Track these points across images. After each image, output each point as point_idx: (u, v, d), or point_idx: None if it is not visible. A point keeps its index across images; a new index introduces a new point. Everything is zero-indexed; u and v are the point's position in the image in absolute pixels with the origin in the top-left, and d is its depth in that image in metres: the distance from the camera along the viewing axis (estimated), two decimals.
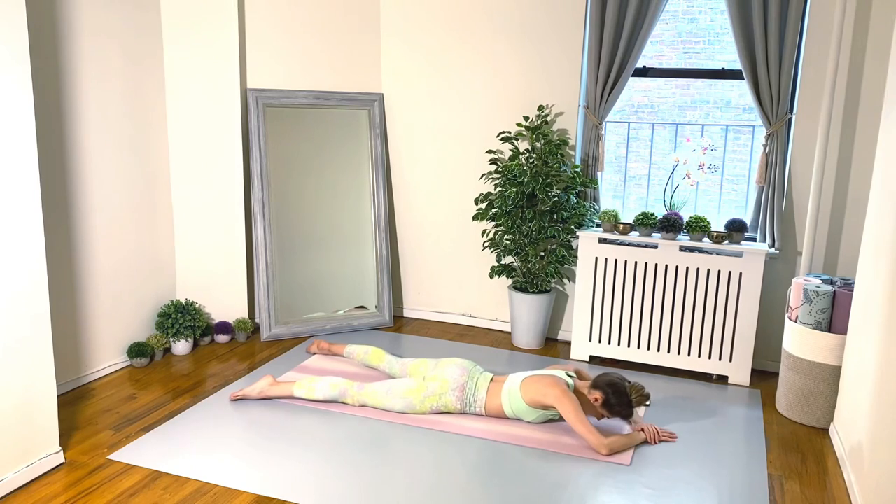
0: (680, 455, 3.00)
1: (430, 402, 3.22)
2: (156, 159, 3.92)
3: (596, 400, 3.07)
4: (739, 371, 3.75)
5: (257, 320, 4.31)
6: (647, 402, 3.06)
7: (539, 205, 3.97)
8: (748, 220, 3.87)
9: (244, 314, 4.24)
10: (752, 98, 3.69)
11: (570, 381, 3.18)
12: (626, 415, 3.07)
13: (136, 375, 3.67)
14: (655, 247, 3.79)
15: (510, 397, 3.17)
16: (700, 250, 3.73)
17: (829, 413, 3.29)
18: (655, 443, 3.07)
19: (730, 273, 3.67)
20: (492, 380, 3.27)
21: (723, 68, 3.89)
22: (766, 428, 3.30)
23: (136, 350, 3.73)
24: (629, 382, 3.08)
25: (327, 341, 3.93)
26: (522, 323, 4.16)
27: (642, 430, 3.09)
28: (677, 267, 3.76)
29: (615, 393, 3.04)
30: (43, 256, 2.66)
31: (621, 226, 3.87)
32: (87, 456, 2.85)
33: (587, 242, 3.91)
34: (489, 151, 4.19)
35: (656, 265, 3.80)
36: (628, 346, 3.93)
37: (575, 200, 4.02)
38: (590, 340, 4.00)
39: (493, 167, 4.36)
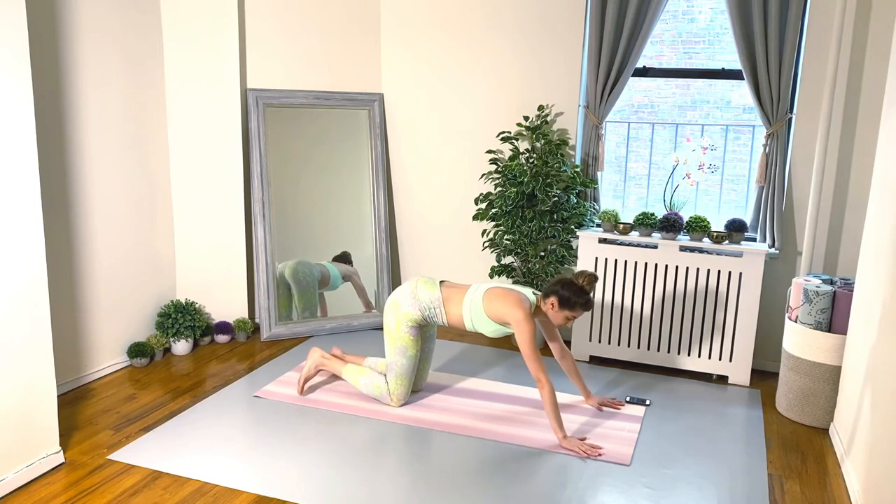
0: (680, 455, 3.00)
1: (400, 331, 3.22)
2: (156, 159, 3.92)
3: (552, 305, 3.08)
4: (739, 371, 3.75)
5: (257, 320, 4.31)
6: (591, 293, 3.08)
7: (539, 205, 3.97)
8: (748, 220, 3.87)
9: (244, 314, 4.24)
10: (752, 98, 3.69)
11: (533, 299, 3.16)
12: (586, 303, 3.06)
13: (136, 375, 3.67)
14: (655, 247, 3.79)
15: (471, 306, 3.16)
16: (700, 250, 3.73)
17: (829, 413, 3.29)
18: (584, 456, 2.95)
19: (730, 273, 3.67)
20: (442, 283, 3.28)
21: (723, 68, 3.89)
22: (766, 428, 3.30)
23: (136, 350, 3.74)
24: (574, 273, 3.12)
25: (341, 349, 3.75)
26: None
27: (570, 447, 2.99)
28: (677, 267, 3.76)
29: (564, 286, 3.06)
30: (43, 256, 2.66)
31: (621, 226, 3.87)
32: (87, 456, 2.85)
33: (587, 242, 3.91)
34: (489, 151, 4.19)
35: (656, 265, 3.80)
36: (628, 346, 3.93)
37: (575, 200, 4.02)
38: (590, 340, 4.00)
39: (493, 167, 4.36)
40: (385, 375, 3.34)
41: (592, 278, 3.06)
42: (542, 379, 2.97)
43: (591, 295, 3.10)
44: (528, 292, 3.18)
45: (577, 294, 3.05)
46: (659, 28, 3.98)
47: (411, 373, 3.29)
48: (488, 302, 3.12)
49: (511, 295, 3.11)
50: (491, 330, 3.16)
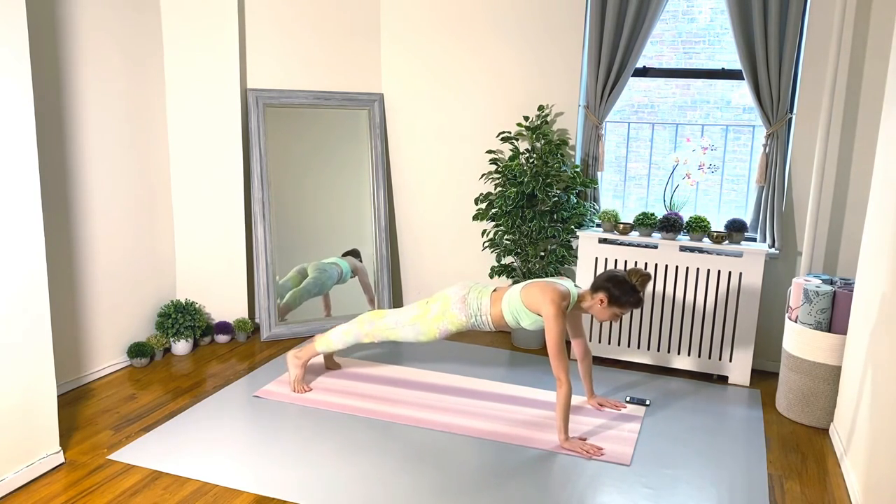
0: (680, 455, 3.00)
1: (437, 323, 3.24)
2: (156, 159, 3.92)
3: (601, 301, 3.05)
4: (739, 371, 3.75)
5: (257, 320, 4.31)
6: (642, 292, 3.03)
7: (539, 205, 3.97)
8: (748, 220, 3.87)
9: (244, 314, 4.24)
10: (752, 98, 3.69)
11: (574, 291, 3.13)
12: (636, 301, 3.02)
13: (136, 375, 3.67)
14: (655, 247, 3.80)
15: (510, 300, 3.15)
16: (700, 250, 3.73)
17: (829, 413, 3.29)
18: (587, 456, 2.94)
19: (730, 273, 3.67)
20: (494, 290, 3.27)
21: (723, 68, 3.89)
22: (766, 428, 3.30)
23: (136, 350, 3.74)
24: (626, 271, 3.07)
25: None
26: None
27: (571, 448, 2.98)
28: (677, 267, 3.76)
29: (616, 284, 3.02)
30: (43, 256, 2.66)
31: (621, 226, 3.87)
32: (87, 456, 2.85)
33: (587, 242, 3.91)
34: (489, 151, 4.19)
35: (656, 265, 3.80)
36: (628, 346, 3.93)
37: (575, 200, 4.02)
38: (590, 340, 3.99)
39: (493, 167, 4.36)
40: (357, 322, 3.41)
41: (646, 279, 3.03)
42: (562, 379, 2.96)
43: (642, 294, 3.06)
44: (570, 284, 3.16)
45: (628, 293, 3.02)
46: (659, 28, 3.98)
47: (397, 337, 3.33)
48: (526, 293, 3.10)
49: (549, 288, 3.07)
50: (530, 322, 3.13)
